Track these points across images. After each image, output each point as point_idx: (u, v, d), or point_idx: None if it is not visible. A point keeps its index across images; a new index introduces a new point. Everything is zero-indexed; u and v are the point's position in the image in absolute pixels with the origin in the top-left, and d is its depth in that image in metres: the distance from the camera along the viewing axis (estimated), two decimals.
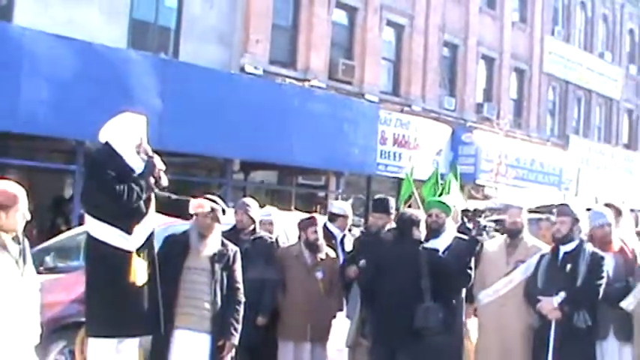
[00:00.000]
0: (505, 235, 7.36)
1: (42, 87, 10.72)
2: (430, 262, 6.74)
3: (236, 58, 17.55)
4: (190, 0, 16.76)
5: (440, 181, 10.47)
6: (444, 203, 7.53)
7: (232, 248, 6.19)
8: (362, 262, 7.24)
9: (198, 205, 5.82)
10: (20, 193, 4.37)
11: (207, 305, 5.89)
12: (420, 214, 7.20)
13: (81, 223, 10.71)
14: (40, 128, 10.86)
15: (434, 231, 7.23)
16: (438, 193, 9.83)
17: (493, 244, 7.54)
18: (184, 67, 13.91)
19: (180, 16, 16.73)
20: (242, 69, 17.36)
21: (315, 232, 7.45)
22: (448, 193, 9.71)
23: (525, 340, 6.76)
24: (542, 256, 6.75)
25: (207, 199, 6.00)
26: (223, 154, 13.76)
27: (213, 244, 5.99)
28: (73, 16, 14.19)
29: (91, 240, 5.35)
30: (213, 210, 5.91)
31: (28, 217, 4.41)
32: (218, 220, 5.97)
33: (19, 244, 4.40)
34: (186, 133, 12.27)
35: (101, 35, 13.57)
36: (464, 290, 7.14)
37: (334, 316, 7.49)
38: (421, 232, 6.91)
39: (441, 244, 7.16)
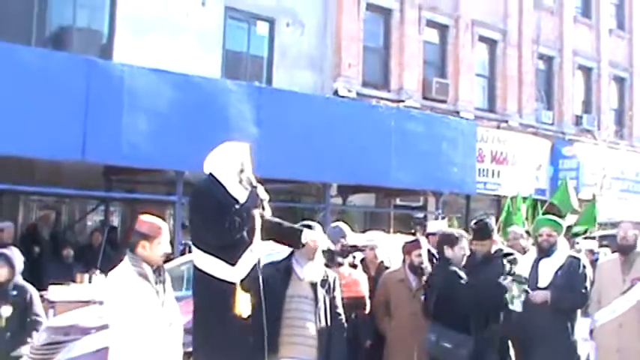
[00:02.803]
0: (618, 253, 7.01)
1: (142, 120, 10.87)
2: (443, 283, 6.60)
3: (329, 83, 17.52)
4: (281, 28, 16.84)
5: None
6: (554, 221, 7.19)
7: (332, 274, 6.05)
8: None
9: (312, 239, 5.69)
10: (164, 226, 4.65)
11: (312, 333, 5.72)
12: (456, 231, 7.05)
13: (183, 253, 10.81)
14: (140, 161, 11.01)
15: (545, 250, 6.95)
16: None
17: (607, 261, 7.19)
18: (279, 93, 13.90)
19: (272, 44, 16.84)
20: (335, 92, 17.30)
21: (420, 255, 7.35)
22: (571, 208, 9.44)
23: None
24: None
25: (305, 225, 5.85)
26: (321, 178, 13.65)
27: (317, 271, 5.85)
28: (169, 49, 14.42)
29: (197, 271, 5.27)
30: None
31: (169, 250, 4.68)
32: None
33: (160, 275, 4.62)
34: (283, 159, 12.20)
35: (196, 66, 13.75)
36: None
37: None
38: (457, 251, 6.72)
39: (553, 263, 6.91)
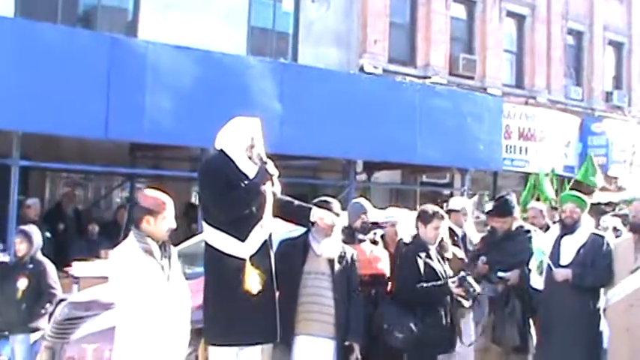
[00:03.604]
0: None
1: (165, 97, 10.81)
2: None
3: (355, 59, 17.36)
4: (306, 4, 16.69)
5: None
6: (579, 198, 7.04)
7: (350, 250, 5.96)
8: (482, 258, 7.03)
9: (319, 216, 5.59)
10: (168, 201, 4.56)
11: (330, 310, 5.66)
12: (432, 209, 6.50)
13: None
14: (164, 137, 10.98)
15: (568, 227, 6.83)
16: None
17: (624, 240, 7.08)
18: (303, 69, 13.82)
19: (297, 21, 16.71)
20: (361, 69, 17.15)
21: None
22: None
23: None
24: None
25: (323, 201, 5.76)
26: (345, 155, 13.54)
27: (334, 247, 5.77)
28: (194, 26, 14.35)
29: (207, 247, 5.22)
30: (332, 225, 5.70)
31: (174, 225, 4.56)
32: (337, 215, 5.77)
33: (166, 250, 4.53)
34: (308, 135, 12.14)
35: (222, 44, 13.67)
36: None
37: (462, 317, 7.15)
38: (429, 229, 6.35)
39: (575, 241, 6.80)
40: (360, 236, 7.06)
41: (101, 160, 11.94)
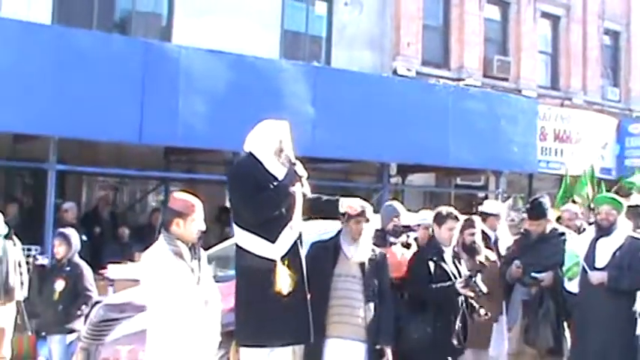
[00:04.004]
0: None
1: (198, 102, 10.91)
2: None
3: (388, 62, 17.33)
4: (339, 7, 16.70)
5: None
6: (614, 200, 6.95)
7: (381, 253, 5.93)
8: (515, 262, 6.98)
9: (348, 204, 5.56)
10: (197, 203, 4.57)
11: (361, 313, 5.64)
12: (446, 210, 6.41)
13: None
14: (198, 141, 11.10)
15: (604, 229, 6.74)
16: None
17: None
18: (336, 73, 13.85)
19: (330, 24, 16.73)
20: (394, 72, 17.10)
21: (473, 234, 7.20)
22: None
23: None
24: None
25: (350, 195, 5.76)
26: (378, 158, 13.53)
27: (365, 250, 5.75)
28: (228, 30, 14.43)
29: (238, 249, 5.23)
30: (363, 211, 5.64)
31: (203, 227, 4.57)
32: (368, 221, 5.74)
33: (195, 253, 4.55)
34: (341, 138, 12.16)
35: (255, 47, 13.74)
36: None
37: (495, 321, 7.19)
38: (444, 230, 6.25)
39: (611, 243, 6.70)
40: (392, 239, 7.05)
41: (136, 164, 12.07)
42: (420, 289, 6.05)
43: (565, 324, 7.01)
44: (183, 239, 4.44)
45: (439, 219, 6.33)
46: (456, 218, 6.34)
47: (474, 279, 6.02)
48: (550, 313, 6.82)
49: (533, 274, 6.90)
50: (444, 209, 6.42)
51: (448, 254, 6.31)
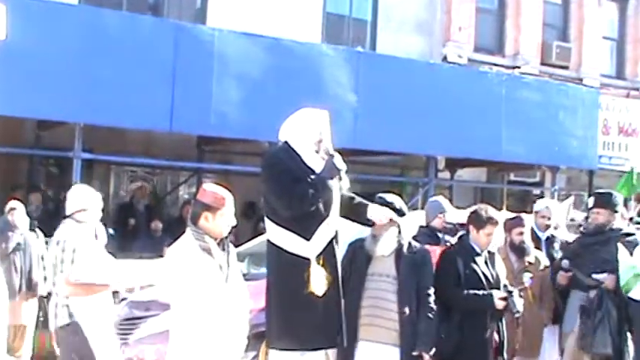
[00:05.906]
0: None
1: (233, 88, 10.92)
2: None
3: (437, 48, 17.21)
4: None
5: None
6: None
7: (421, 249, 5.81)
8: (564, 262, 6.92)
9: (376, 213, 5.49)
10: (228, 197, 4.52)
11: (394, 315, 5.49)
12: (487, 215, 6.18)
13: None
14: (231, 131, 11.10)
15: None
16: None
17: None
18: (380, 59, 13.75)
19: (376, 7, 16.64)
20: (444, 58, 16.98)
21: (521, 233, 7.14)
22: None
23: None
24: None
25: (381, 198, 5.69)
26: (424, 151, 13.44)
27: (386, 245, 5.59)
28: (266, 12, 14.44)
29: (270, 246, 5.21)
30: (391, 221, 5.57)
31: (234, 222, 4.53)
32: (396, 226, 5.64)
33: (224, 249, 4.52)
34: (385, 129, 12.09)
35: (296, 31, 13.72)
36: None
37: (545, 327, 7.19)
38: (482, 235, 6.09)
39: None
40: (447, 237, 7.01)
41: (167, 154, 12.15)
42: (449, 293, 5.90)
43: (628, 333, 6.84)
44: (211, 234, 4.42)
45: (478, 222, 6.13)
46: (496, 223, 6.18)
47: (512, 295, 5.93)
48: (610, 317, 6.66)
49: (593, 276, 6.77)
50: (484, 211, 6.18)
51: (481, 258, 6.13)
